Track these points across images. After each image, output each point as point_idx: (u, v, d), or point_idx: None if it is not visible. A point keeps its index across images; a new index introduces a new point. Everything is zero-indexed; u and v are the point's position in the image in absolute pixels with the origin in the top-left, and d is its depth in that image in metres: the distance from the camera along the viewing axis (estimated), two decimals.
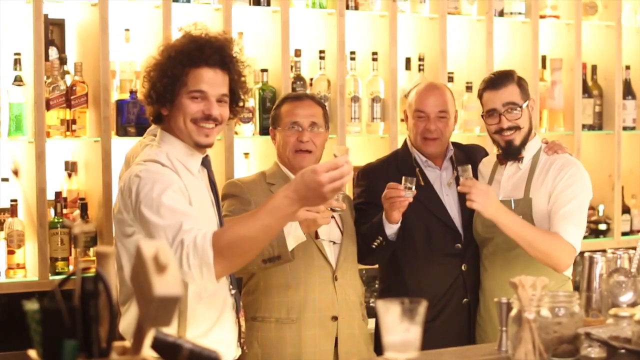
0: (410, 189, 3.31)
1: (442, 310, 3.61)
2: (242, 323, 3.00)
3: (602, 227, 5.19)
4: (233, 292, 2.94)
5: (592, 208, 5.20)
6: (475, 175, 3.68)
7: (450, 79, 4.79)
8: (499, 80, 3.57)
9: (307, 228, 3.11)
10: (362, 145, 4.72)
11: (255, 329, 3.38)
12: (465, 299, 3.64)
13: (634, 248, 2.74)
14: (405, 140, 3.81)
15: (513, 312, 2.34)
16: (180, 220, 2.57)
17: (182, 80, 2.77)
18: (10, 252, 3.95)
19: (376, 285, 4.41)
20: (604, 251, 2.75)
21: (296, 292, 3.38)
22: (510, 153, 3.58)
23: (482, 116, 3.63)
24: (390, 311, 1.83)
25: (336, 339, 3.41)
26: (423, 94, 3.68)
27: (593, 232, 5.20)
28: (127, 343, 1.83)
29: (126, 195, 2.71)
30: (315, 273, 3.39)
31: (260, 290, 3.41)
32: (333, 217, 3.41)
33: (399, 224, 3.39)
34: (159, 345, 1.83)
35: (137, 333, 1.79)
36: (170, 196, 2.63)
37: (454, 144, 3.86)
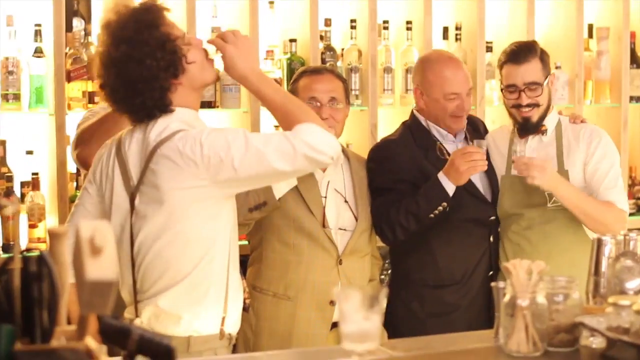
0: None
1: (468, 281, 3.48)
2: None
3: None
4: None
5: (639, 184, 4.97)
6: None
7: (489, 49, 4.60)
8: (521, 54, 3.42)
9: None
10: (395, 117, 4.55)
11: (253, 298, 3.27)
12: (490, 272, 3.50)
13: None
14: (414, 114, 3.63)
15: (506, 299, 2.20)
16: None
17: None
18: (32, 226, 3.92)
19: None
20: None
21: (296, 270, 3.25)
22: (527, 128, 3.46)
23: (501, 89, 3.50)
24: (349, 299, 1.71)
25: (336, 323, 3.28)
26: (451, 72, 3.48)
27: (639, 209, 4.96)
28: (73, 327, 1.75)
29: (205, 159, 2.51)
30: (318, 254, 3.25)
31: (262, 261, 3.31)
32: (346, 201, 3.34)
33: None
34: (107, 330, 1.75)
35: (80, 318, 1.71)
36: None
37: None
